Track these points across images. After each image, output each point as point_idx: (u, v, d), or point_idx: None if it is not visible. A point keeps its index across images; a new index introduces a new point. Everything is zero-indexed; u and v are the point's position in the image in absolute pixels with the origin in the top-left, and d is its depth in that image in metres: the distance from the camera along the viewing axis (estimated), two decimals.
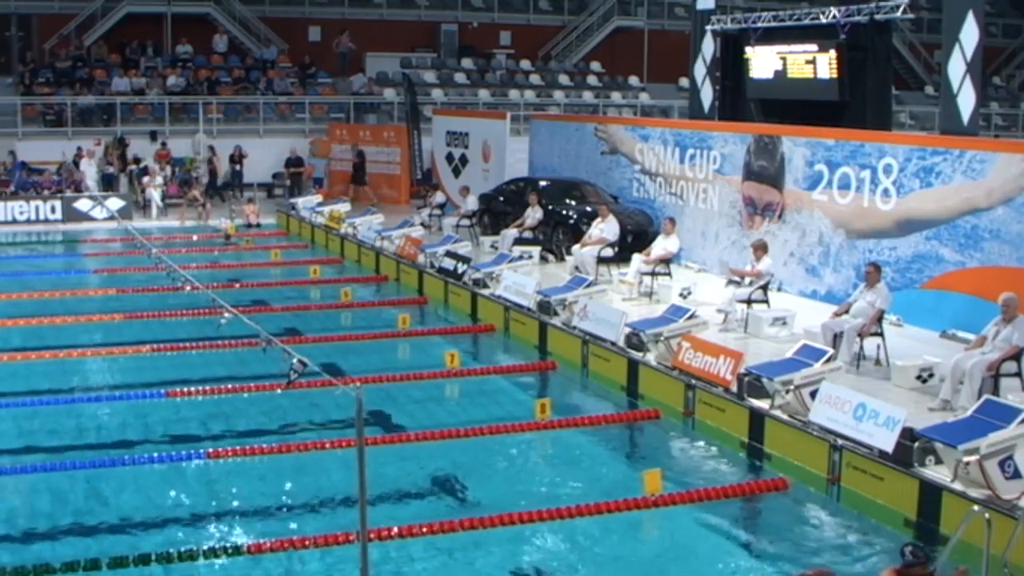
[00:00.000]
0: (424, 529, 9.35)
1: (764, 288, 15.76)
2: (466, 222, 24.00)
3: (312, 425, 12.41)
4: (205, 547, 8.98)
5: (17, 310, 17.55)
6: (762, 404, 11.85)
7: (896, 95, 31.35)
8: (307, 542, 9.02)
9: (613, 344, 14.44)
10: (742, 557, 9.31)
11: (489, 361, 15.65)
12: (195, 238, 25.91)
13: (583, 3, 40.49)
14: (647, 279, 17.66)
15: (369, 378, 13.50)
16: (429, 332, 17.38)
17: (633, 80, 39.06)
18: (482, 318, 17.73)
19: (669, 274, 17.99)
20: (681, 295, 16.90)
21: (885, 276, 14.52)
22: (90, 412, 12.79)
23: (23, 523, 9.69)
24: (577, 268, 18.76)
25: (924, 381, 12.55)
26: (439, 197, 26.33)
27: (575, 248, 19.38)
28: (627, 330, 14.38)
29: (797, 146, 17.98)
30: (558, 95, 36.66)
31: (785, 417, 11.50)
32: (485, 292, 17.97)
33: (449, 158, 29.02)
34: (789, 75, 20.79)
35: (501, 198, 23.55)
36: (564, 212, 21.52)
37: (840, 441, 10.62)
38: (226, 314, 10.77)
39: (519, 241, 21.01)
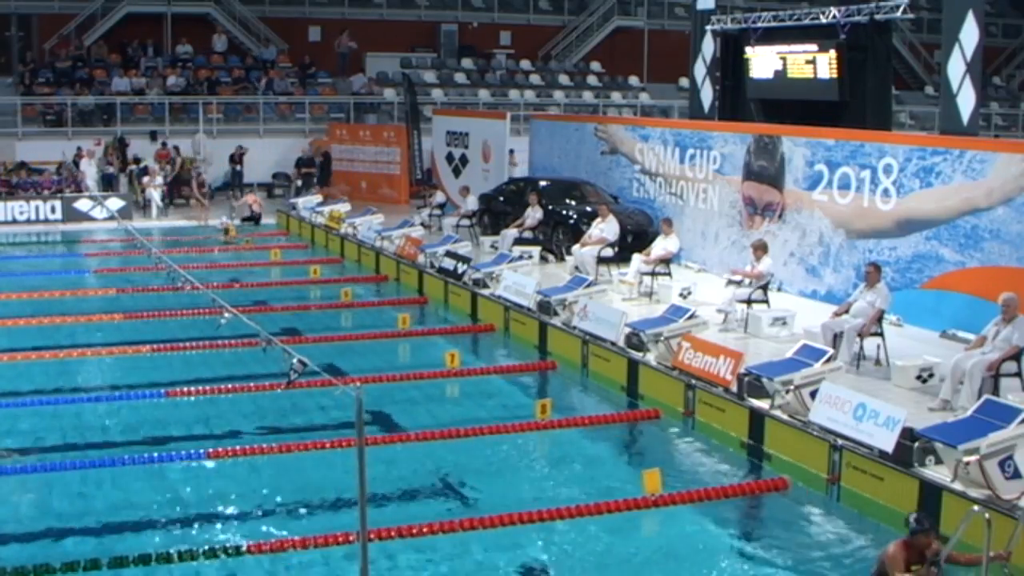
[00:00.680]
0: (424, 529, 9.35)
1: (764, 288, 15.77)
2: (466, 222, 24.01)
3: (312, 425, 12.41)
4: (205, 547, 8.98)
5: (17, 310, 17.55)
6: (762, 404, 11.85)
7: (896, 95, 31.37)
8: (307, 542, 9.02)
9: (613, 344, 14.44)
10: (742, 557, 9.31)
11: (489, 361, 15.65)
12: (195, 238, 25.92)
13: (583, 3, 40.49)
14: (647, 279, 17.66)
15: (369, 378, 13.50)
16: (429, 332, 17.38)
17: (633, 80, 39.06)
18: (482, 318, 17.73)
19: (669, 274, 17.99)
20: (681, 295, 16.90)
21: (885, 276, 14.52)
22: (90, 412, 12.79)
23: (23, 523, 9.69)
24: (577, 268, 18.77)
25: (924, 381, 12.55)
26: (439, 197, 26.33)
27: (575, 248, 19.38)
28: (627, 330, 14.38)
29: (797, 146, 17.98)
30: (558, 95, 36.67)
31: (785, 417, 11.50)
32: (485, 292, 17.97)
33: (449, 158, 29.02)
34: (789, 75, 20.79)
35: (501, 198, 23.55)
36: (564, 212, 21.52)
37: (840, 441, 10.62)
38: (226, 314, 10.78)
39: (519, 241, 21.01)
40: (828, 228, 17.26)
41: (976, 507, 8.03)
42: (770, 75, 21.33)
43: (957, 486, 9.50)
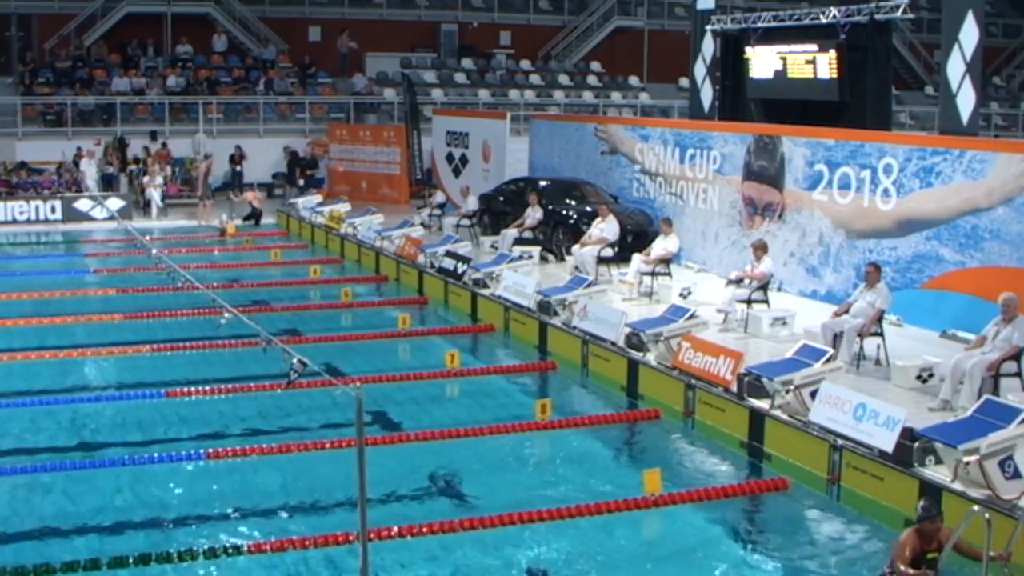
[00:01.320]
0: (424, 529, 9.35)
1: (764, 288, 15.77)
2: (466, 222, 24.01)
3: (312, 425, 12.41)
4: (205, 547, 8.98)
5: (17, 310, 17.55)
6: (762, 404, 11.85)
7: (896, 95, 31.37)
8: (307, 542, 9.02)
9: (613, 344, 14.44)
10: (742, 557, 9.31)
11: (489, 361, 15.65)
12: (195, 238, 25.93)
13: (583, 3, 40.49)
14: (647, 279, 17.66)
15: (369, 378, 13.51)
16: (429, 332, 17.38)
17: (633, 80, 39.06)
18: (482, 318, 17.73)
19: (669, 274, 17.99)
20: (681, 295, 16.90)
21: (885, 276, 14.52)
22: (90, 412, 12.79)
23: (23, 523, 9.69)
24: (577, 268, 18.77)
25: (924, 381, 12.54)
26: (439, 197, 26.33)
27: (575, 248, 19.38)
28: (627, 330, 14.38)
29: (797, 146, 17.98)
30: (558, 95, 36.67)
31: (785, 417, 11.50)
32: (485, 292, 17.97)
33: (449, 158, 29.03)
34: (789, 75, 20.79)
35: (501, 198, 23.55)
36: (564, 212, 21.52)
37: (840, 441, 10.62)
38: (226, 314, 10.78)
39: (519, 241, 21.01)
40: (828, 228, 17.26)
41: (976, 507, 8.03)
42: (770, 75, 21.33)
43: (957, 486, 9.50)
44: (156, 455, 11.18)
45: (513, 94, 35.92)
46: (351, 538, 8.74)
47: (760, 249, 15.95)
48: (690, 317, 14.10)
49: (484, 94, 35.65)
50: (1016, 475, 9.38)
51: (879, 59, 19.55)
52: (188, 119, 32.41)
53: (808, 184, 17.69)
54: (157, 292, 18.66)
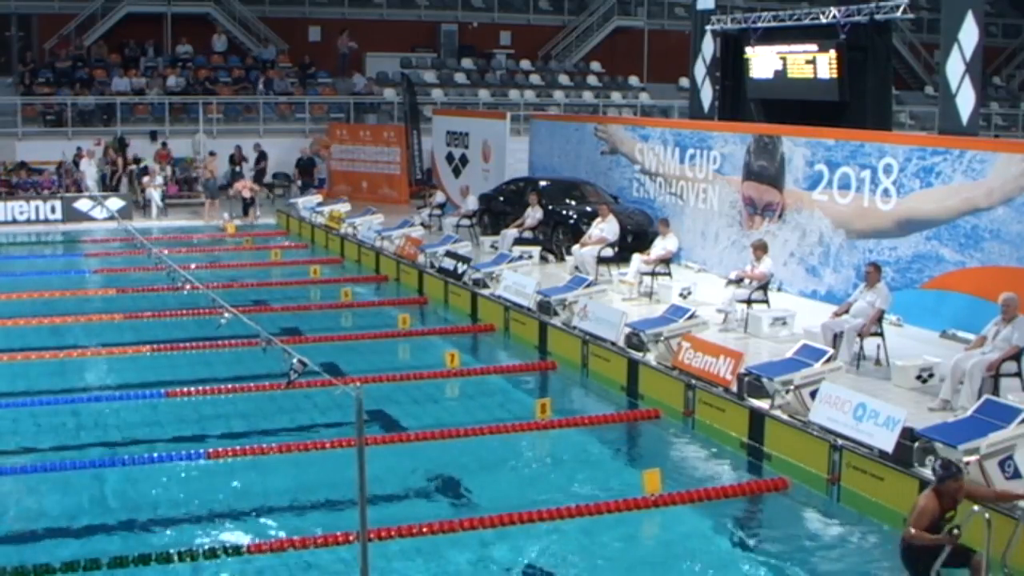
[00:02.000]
0: (424, 529, 9.35)
1: (764, 288, 15.77)
2: (466, 222, 24.01)
3: (312, 425, 12.41)
4: (205, 547, 8.99)
5: (17, 310, 17.55)
6: (762, 404, 11.85)
7: (896, 95, 31.33)
8: (307, 542, 9.02)
9: (613, 344, 14.44)
10: (742, 557, 9.31)
11: (489, 361, 15.65)
12: (195, 238, 25.94)
13: (583, 3, 40.48)
14: (647, 279, 17.66)
15: (369, 378, 13.50)
16: (429, 332, 17.38)
17: (633, 80, 39.05)
18: (482, 318, 17.72)
19: (669, 274, 17.99)
20: (681, 295, 16.90)
21: (885, 276, 14.52)
22: (90, 412, 12.79)
23: (23, 523, 9.69)
24: (577, 268, 18.77)
25: (924, 381, 12.55)
26: (439, 197, 26.33)
27: (575, 248, 19.39)
28: (627, 330, 14.38)
29: (797, 146, 17.99)
30: (558, 95, 36.66)
31: (785, 417, 11.50)
32: (485, 292, 17.97)
33: (449, 158, 29.03)
34: (789, 75, 20.79)
35: (501, 198, 23.55)
36: (564, 212, 21.52)
37: (840, 441, 10.62)
38: (226, 314, 10.78)
39: (519, 241, 21.01)
40: (828, 228, 17.26)
41: (976, 507, 8.03)
42: (770, 75, 21.33)
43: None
44: (156, 455, 11.17)
45: (513, 94, 35.91)
46: (351, 538, 8.73)
47: (760, 249, 15.95)
48: (690, 317, 14.10)
49: (484, 94, 35.64)
50: (1016, 475, 9.38)
51: (879, 59, 19.55)
52: (188, 119, 32.38)
53: (808, 184, 17.69)
54: (157, 292, 18.66)
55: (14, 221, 27.49)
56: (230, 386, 13.50)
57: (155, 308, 17.85)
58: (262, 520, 9.76)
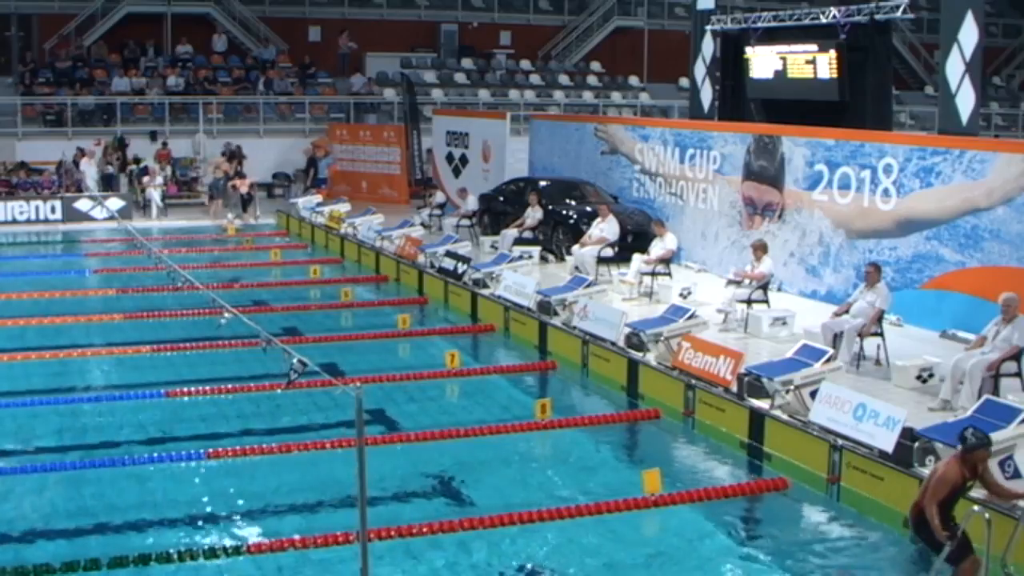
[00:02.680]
0: (424, 529, 9.35)
1: (764, 288, 15.77)
2: (466, 222, 24.01)
3: (312, 425, 12.41)
4: (205, 547, 8.98)
5: (17, 310, 17.55)
6: (762, 404, 11.85)
7: (896, 95, 31.35)
8: (307, 542, 9.02)
9: (613, 344, 14.43)
10: (742, 557, 9.31)
11: (489, 361, 15.65)
12: (196, 238, 25.94)
13: (583, 3, 40.48)
14: (647, 279, 17.66)
15: (369, 378, 13.50)
16: (429, 332, 17.37)
17: (633, 80, 39.06)
18: (482, 318, 17.72)
19: (669, 274, 17.99)
20: (681, 295, 16.90)
21: (885, 276, 14.52)
22: (90, 412, 12.79)
23: (23, 523, 9.69)
24: (577, 268, 18.77)
25: (924, 381, 12.54)
26: (439, 197, 26.33)
27: (575, 248, 19.39)
28: (627, 330, 14.38)
29: (797, 146, 17.98)
30: (558, 95, 36.66)
31: (785, 417, 11.50)
32: (485, 292, 17.97)
33: (449, 158, 29.03)
34: (789, 75, 20.78)
35: (501, 198, 23.55)
36: (564, 212, 21.52)
37: (840, 441, 10.62)
38: (226, 314, 10.78)
39: (519, 241, 21.01)
40: (828, 228, 17.26)
41: (976, 507, 8.03)
42: (770, 75, 21.33)
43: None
44: (156, 455, 11.18)
45: (513, 94, 35.92)
46: (351, 538, 8.73)
47: (760, 249, 15.95)
48: (690, 317, 14.11)
49: (484, 94, 35.65)
50: (1016, 475, 9.38)
51: (879, 59, 19.54)
52: (188, 119, 32.40)
53: (808, 184, 17.69)
54: (157, 292, 18.66)
55: (14, 221, 27.50)
56: (230, 386, 13.50)
57: (155, 308, 17.85)
58: (262, 520, 9.76)
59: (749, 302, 15.55)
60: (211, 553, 8.89)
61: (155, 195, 28.72)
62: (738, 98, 22.58)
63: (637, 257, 18.02)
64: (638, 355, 13.98)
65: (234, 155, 30.35)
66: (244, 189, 28.16)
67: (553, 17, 40.45)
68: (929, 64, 40.17)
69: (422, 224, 24.08)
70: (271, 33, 36.30)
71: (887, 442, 10.14)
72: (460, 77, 36.75)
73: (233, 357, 14.92)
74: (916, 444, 10.02)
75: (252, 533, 9.42)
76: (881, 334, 13.63)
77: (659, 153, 21.52)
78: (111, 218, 26.84)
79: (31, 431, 12.15)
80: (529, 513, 9.65)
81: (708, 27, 23.18)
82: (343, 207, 26.14)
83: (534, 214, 21.36)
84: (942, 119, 17.86)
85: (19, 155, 29.80)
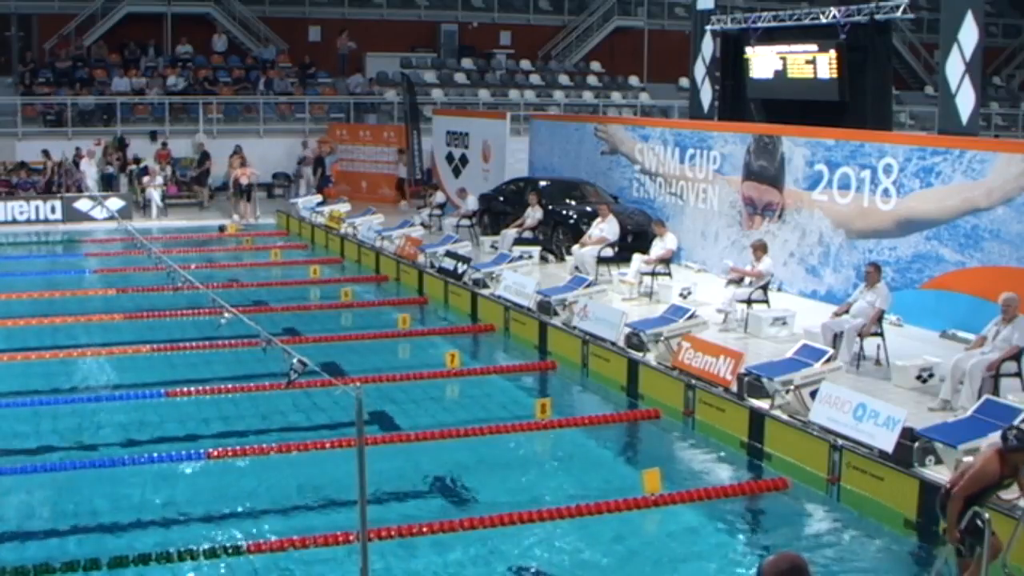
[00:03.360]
0: (424, 529, 9.35)
1: (764, 288, 15.77)
2: (466, 222, 24.01)
3: (312, 425, 12.40)
4: (205, 547, 8.98)
5: (17, 310, 17.55)
6: (762, 404, 11.85)
7: (896, 95, 31.36)
8: (307, 542, 9.02)
9: (613, 344, 14.43)
10: (742, 557, 9.31)
11: (489, 361, 15.65)
12: (196, 237, 25.95)
13: (583, 3, 40.48)
14: (647, 279, 17.66)
15: (369, 378, 13.50)
16: (429, 332, 17.38)
17: (633, 80, 39.05)
18: (482, 318, 17.72)
19: (669, 274, 17.99)
20: (681, 295, 16.90)
21: (885, 276, 14.52)
22: (90, 412, 12.78)
23: (23, 523, 9.69)
24: (577, 268, 18.77)
25: (924, 381, 12.55)
26: (439, 197, 26.33)
27: (575, 248, 19.39)
28: (627, 330, 14.38)
29: (797, 146, 17.99)
30: (558, 95, 36.66)
31: (785, 417, 11.50)
32: (485, 292, 17.97)
33: (449, 158, 29.02)
34: (789, 75, 20.79)
35: (501, 198, 23.55)
36: (564, 212, 21.52)
37: (840, 441, 10.62)
38: (226, 314, 10.77)
39: (519, 241, 21.01)
40: (828, 228, 17.27)
41: (976, 507, 8.02)
42: (770, 75, 21.33)
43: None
44: (156, 455, 11.17)
45: (513, 94, 35.91)
46: (351, 538, 8.73)
47: (760, 249, 15.95)
48: (690, 317, 14.11)
49: (484, 94, 35.65)
50: None
51: (879, 59, 19.54)
52: (188, 119, 32.40)
53: (808, 184, 17.69)
54: (157, 292, 18.65)
55: (14, 221, 27.50)
56: (230, 386, 13.50)
57: (155, 308, 17.84)
58: (262, 520, 9.76)
59: (749, 302, 15.55)
60: (211, 553, 8.88)
61: (155, 195, 28.72)
62: (738, 98, 22.58)
63: (637, 257, 18.02)
64: (638, 355, 13.98)
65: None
66: (245, 180, 28.11)
67: (553, 17, 40.45)
68: (929, 64, 40.17)
69: (422, 224, 24.08)
70: (271, 33, 36.30)
71: (887, 442, 10.14)
72: (460, 77, 36.75)
73: (233, 357, 14.92)
74: (916, 444, 10.02)
75: (252, 533, 9.41)
76: (881, 334, 13.63)
77: (659, 153, 21.52)
78: (111, 218, 26.83)
79: (31, 431, 12.13)
80: (529, 513, 9.65)
81: (708, 27, 23.18)
82: (343, 207, 26.14)
83: (534, 214, 21.36)
84: (942, 119, 17.86)
85: (19, 155, 29.80)
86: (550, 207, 21.51)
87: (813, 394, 11.32)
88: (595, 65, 39.56)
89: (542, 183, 23.01)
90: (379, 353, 15.73)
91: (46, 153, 29.08)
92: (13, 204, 27.69)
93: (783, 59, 20.91)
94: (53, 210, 27.76)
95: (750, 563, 9.17)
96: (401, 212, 24.86)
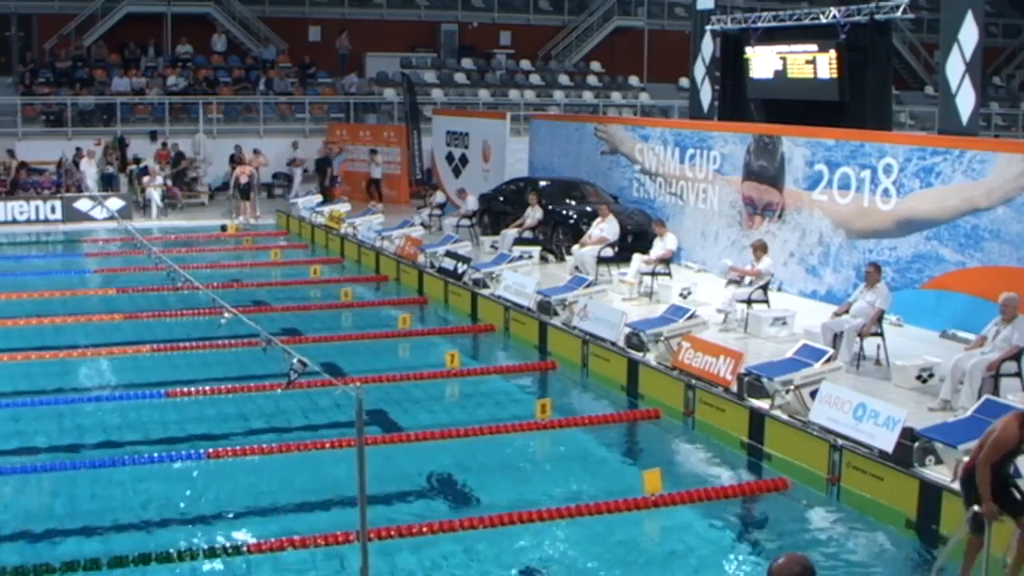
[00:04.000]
0: (424, 529, 9.35)
1: (764, 288, 15.77)
2: (466, 222, 24.01)
3: (312, 425, 12.41)
4: (205, 547, 8.98)
5: (17, 310, 17.55)
6: (762, 404, 11.85)
7: (896, 95, 31.37)
8: (307, 542, 9.02)
9: (613, 344, 14.43)
10: (742, 557, 9.31)
11: (489, 361, 15.65)
12: (195, 237, 25.96)
13: (583, 3, 40.49)
14: (647, 279, 17.66)
15: (369, 378, 13.50)
16: (429, 332, 17.38)
17: (633, 80, 39.07)
18: (482, 318, 17.72)
19: (669, 274, 17.99)
20: (681, 295, 16.90)
21: (885, 276, 14.52)
22: (90, 412, 12.78)
23: (23, 523, 9.68)
24: (577, 268, 18.77)
25: (924, 381, 12.54)
26: (439, 197, 26.34)
27: (575, 248, 19.39)
28: (627, 330, 14.38)
29: (797, 146, 17.99)
30: (558, 95, 36.67)
31: (785, 417, 11.50)
32: (485, 292, 17.97)
33: (449, 158, 29.02)
34: (789, 75, 20.79)
35: (501, 198, 23.55)
36: (564, 212, 21.52)
37: (840, 441, 10.62)
38: (226, 314, 10.78)
39: (519, 241, 21.01)
40: (828, 228, 17.26)
41: (976, 507, 8.02)
42: (770, 75, 21.33)
43: (957, 486, 9.48)
44: (156, 455, 11.17)
45: (513, 94, 35.92)
46: (351, 538, 8.73)
47: (760, 249, 15.95)
48: (690, 317, 14.10)
49: (484, 94, 35.65)
50: (1016, 475, 9.36)
51: (879, 59, 19.54)
52: (188, 119, 32.41)
53: (808, 184, 17.69)
54: (157, 292, 18.66)
55: (14, 221, 27.49)
56: (230, 386, 13.49)
57: (155, 308, 17.85)
58: (262, 520, 9.76)
59: (749, 302, 15.55)
60: (211, 553, 8.89)
61: (155, 195, 28.72)
62: (738, 98, 22.58)
63: (637, 257, 18.01)
64: (638, 355, 13.98)
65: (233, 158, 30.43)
66: (244, 179, 28.08)
67: (553, 17, 40.46)
68: (929, 64, 40.19)
69: (422, 224, 24.08)
70: (271, 33, 36.31)
71: (887, 442, 10.14)
72: (460, 77, 36.76)
73: (233, 357, 14.92)
74: (916, 444, 10.02)
75: (252, 533, 9.41)
76: (881, 334, 13.63)
77: (659, 153, 21.52)
78: (111, 218, 26.83)
79: (31, 431, 12.13)
80: (529, 513, 9.64)
81: (708, 27, 23.19)
82: (343, 207, 26.15)
83: (534, 214, 21.36)
84: (942, 119, 17.86)
85: (19, 155, 29.77)
86: (550, 207, 21.51)
87: (813, 394, 11.32)
88: (595, 65, 39.57)
89: (542, 183, 23.01)
90: (379, 353, 15.74)
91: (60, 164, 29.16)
92: (13, 204, 27.69)
93: (783, 59, 20.91)
94: (53, 210, 27.77)
95: (750, 563, 9.17)
96: (373, 213, 24.83)
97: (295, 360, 7.96)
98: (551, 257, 21.06)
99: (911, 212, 15.76)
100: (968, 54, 16.74)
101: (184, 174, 30.89)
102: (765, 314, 15.29)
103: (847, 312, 13.82)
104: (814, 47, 20.17)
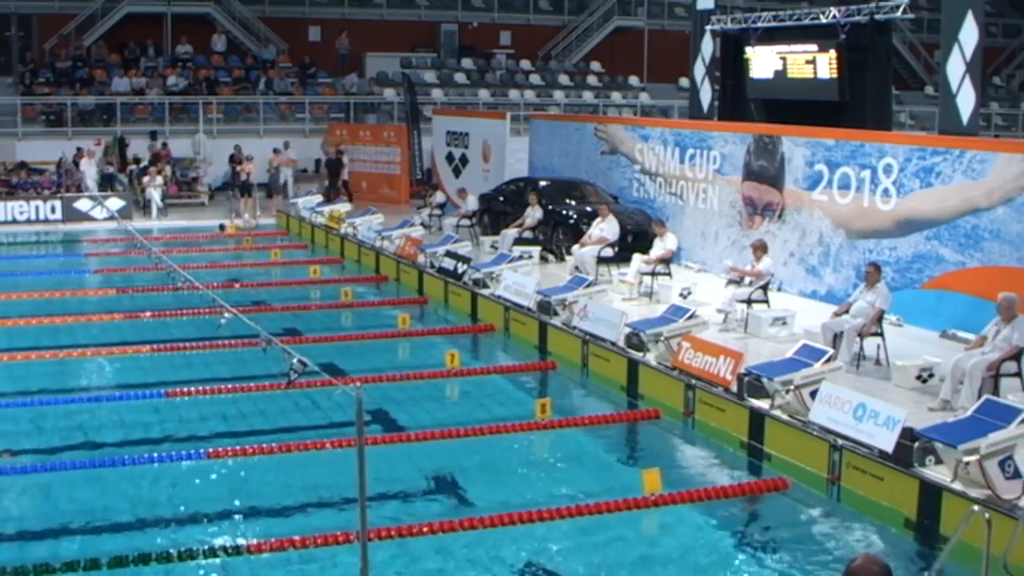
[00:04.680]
0: (424, 529, 9.35)
1: (764, 288, 15.77)
2: (466, 222, 24.01)
3: (312, 425, 12.41)
4: (205, 547, 8.98)
5: (17, 310, 17.55)
6: (762, 404, 11.85)
7: (896, 95, 31.36)
8: (307, 542, 9.02)
9: (613, 344, 14.43)
10: (742, 557, 9.31)
11: (489, 361, 15.65)
12: (195, 237, 25.94)
13: (583, 3, 40.49)
14: (647, 279, 17.66)
15: (369, 378, 13.49)
16: (429, 332, 17.38)
17: (633, 80, 39.07)
18: (482, 318, 17.72)
19: (669, 274, 17.99)
20: (681, 295, 16.90)
21: (885, 276, 14.52)
22: (90, 412, 12.78)
23: (23, 523, 9.69)
24: (577, 268, 18.77)
25: (924, 381, 12.54)
26: (439, 197, 26.34)
27: (575, 248, 19.38)
28: (627, 330, 14.38)
29: (797, 146, 17.99)
30: (558, 95, 36.67)
31: (785, 417, 11.50)
32: (485, 292, 17.97)
33: (449, 158, 29.03)
34: (789, 75, 20.79)
35: (501, 198, 23.55)
36: (564, 212, 21.52)
37: (840, 441, 10.62)
38: (226, 314, 10.78)
39: (519, 241, 21.01)
40: (828, 228, 17.26)
41: (976, 507, 8.03)
42: (770, 75, 21.33)
43: (957, 486, 9.50)
44: (156, 455, 11.17)
45: (513, 94, 35.93)
46: (351, 538, 8.73)
47: (760, 249, 15.95)
48: (690, 317, 14.10)
49: (484, 94, 35.66)
50: (1016, 475, 9.38)
51: (879, 59, 19.54)
52: (188, 119, 32.41)
53: (808, 184, 17.69)
54: (157, 292, 18.66)
55: (14, 221, 27.49)
56: (230, 386, 13.49)
57: (155, 308, 17.84)
58: (262, 520, 9.76)
59: (749, 302, 15.55)
60: (211, 553, 8.89)
61: (155, 195, 28.72)
62: (738, 98, 22.59)
63: (637, 257, 18.01)
64: (638, 355, 13.98)
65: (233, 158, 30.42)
66: (244, 176, 28.06)
67: (553, 17, 40.46)
68: (929, 64, 40.19)
69: (422, 224, 24.07)
70: (271, 33, 36.31)
71: (887, 442, 10.14)
72: (460, 77, 36.76)
73: (233, 357, 14.92)
74: (916, 444, 10.01)
75: (252, 533, 9.41)
76: (881, 334, 13.63)
77: (659, 153, 21.52)
78: (111, 218, 26.83)
79: (31, 431, 12.14)
80: (529, 513, 9.64)
81: (708, 27, 23.19)
82: (343, 207, 26.14)
83: (534, 214, 21.37)
84: (942, 119, 17.86)
85: (19, 155, 29.80)
86: (550, 207, 21.51)
87: (813, 394, 11.32)
88: (595, 65, 39.57)
89: (542, 183, 23.01)
90: (379, 353, 15.74)
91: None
92: (13, 204, 27.68)
93: (783, 59, 20.91)
94: (53, 210, 27.76)
95: (750, 563, 9.18)
96: (373, 214, 24.79)
97: (295, 360, 7.96)
98: (551, 257, 21.05)
99: (911, 212, 15.76)
100: (968, 54, 16.74)
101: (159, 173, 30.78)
102: (765, 314, 15.29)
103: (847, 312, 13.82)
104: (814, 47, 20.17)
